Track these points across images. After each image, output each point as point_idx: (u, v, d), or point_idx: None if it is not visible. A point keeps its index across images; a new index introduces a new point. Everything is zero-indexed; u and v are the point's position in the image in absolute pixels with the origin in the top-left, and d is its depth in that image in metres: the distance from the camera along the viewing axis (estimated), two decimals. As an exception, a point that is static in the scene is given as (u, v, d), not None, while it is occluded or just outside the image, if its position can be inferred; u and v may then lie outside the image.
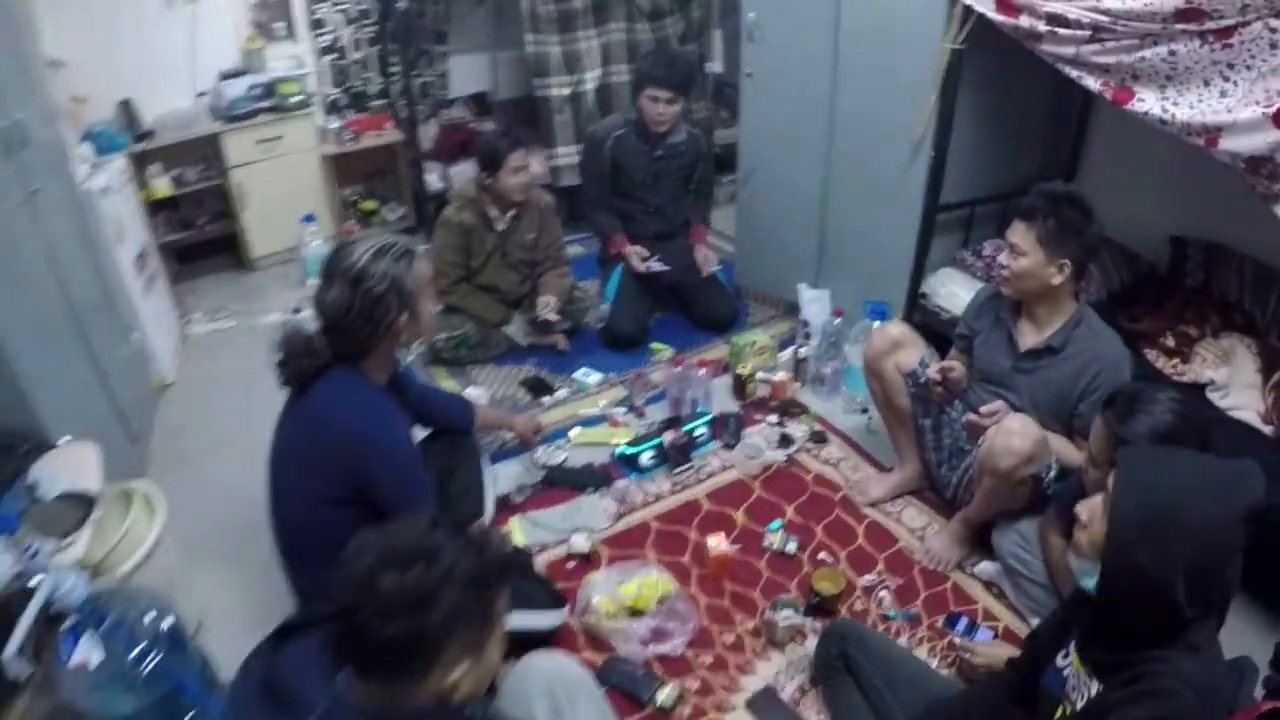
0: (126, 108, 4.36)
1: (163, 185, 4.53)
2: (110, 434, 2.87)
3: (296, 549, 2.28)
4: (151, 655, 1.99)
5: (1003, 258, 2.59)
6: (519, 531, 2.96)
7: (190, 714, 2.10)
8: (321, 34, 5.00)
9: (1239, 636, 2.27)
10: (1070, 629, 1.75)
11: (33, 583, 1.87)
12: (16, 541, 1.79)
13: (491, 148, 3.67)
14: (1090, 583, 1.55)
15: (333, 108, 5.19)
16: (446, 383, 3.84)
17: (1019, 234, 2.51)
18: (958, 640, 2.50)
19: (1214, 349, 3.10)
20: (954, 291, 3.52)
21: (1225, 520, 1.42)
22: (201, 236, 4.88)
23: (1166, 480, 1.48)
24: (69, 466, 2.39)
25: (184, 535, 2.65)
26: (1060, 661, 1.73)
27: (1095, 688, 1.59)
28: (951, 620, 2.60)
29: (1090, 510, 1.59)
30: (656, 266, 4.06)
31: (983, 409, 2.60)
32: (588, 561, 2.85)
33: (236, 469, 3.14)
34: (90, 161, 3.67)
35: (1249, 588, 2.49)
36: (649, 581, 2.66)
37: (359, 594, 1.26)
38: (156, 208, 4.57)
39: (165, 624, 2.08)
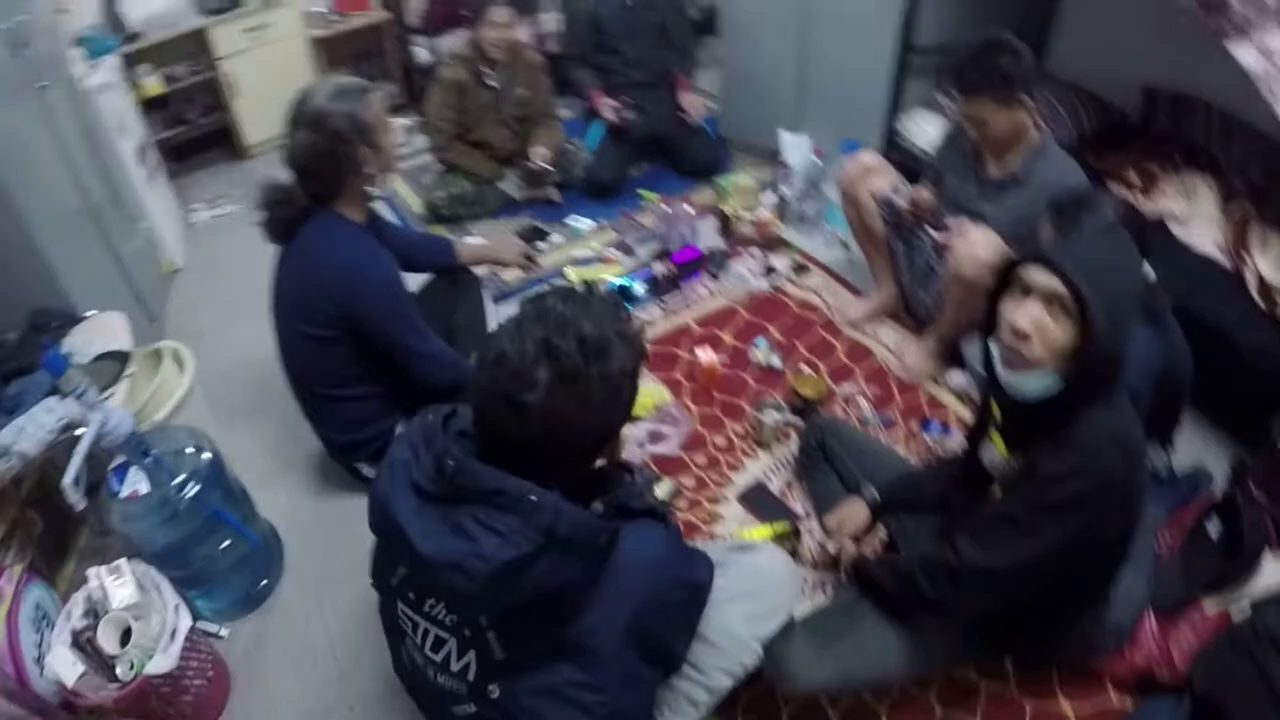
0: (109, 8, 4.36)
1: (153, 84, 4.57)
2: (130, 313, 2.97)
3: (305, 389, 2.47)
4: (191, 485, 2.15)
5: (969, 130, 2.63)
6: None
7: (227, 542, 2.29)
8: (296, -85, 4.93)
9: (1196, 453, 2.55)
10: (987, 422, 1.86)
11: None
12: (65, 382, 1.94)
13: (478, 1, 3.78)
14: (1040, 385, 1.56)
15: (317, -9, 5.16)
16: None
17: (974, 108, 2.54)
18: (930, 440, 2.69)
19: (1176, 184, 3.16)
20: (926, 130, 3.61)
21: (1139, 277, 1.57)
22: (196, 131, 4.93)
23: (1107, 267, 1.55)
24: (100, 333, 2.59)
25: (206, 397, 2.82)
26: (990, 448, 1.86)
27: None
28: (925, 424, 2.78)
29: (1034, 320, 1.54)
30: (629, 115, 4.18)
31: (949, 222, 2.73)
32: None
33: (248, 337, 3.29)
34: (85, 63, 3.73)
35: (1206, 409, 2.66)
36: (644, 390, 2.78)
37: (546, 419, 1.22)
38: (148, 107, 4.60)
39: (204, 457, 2.24)
